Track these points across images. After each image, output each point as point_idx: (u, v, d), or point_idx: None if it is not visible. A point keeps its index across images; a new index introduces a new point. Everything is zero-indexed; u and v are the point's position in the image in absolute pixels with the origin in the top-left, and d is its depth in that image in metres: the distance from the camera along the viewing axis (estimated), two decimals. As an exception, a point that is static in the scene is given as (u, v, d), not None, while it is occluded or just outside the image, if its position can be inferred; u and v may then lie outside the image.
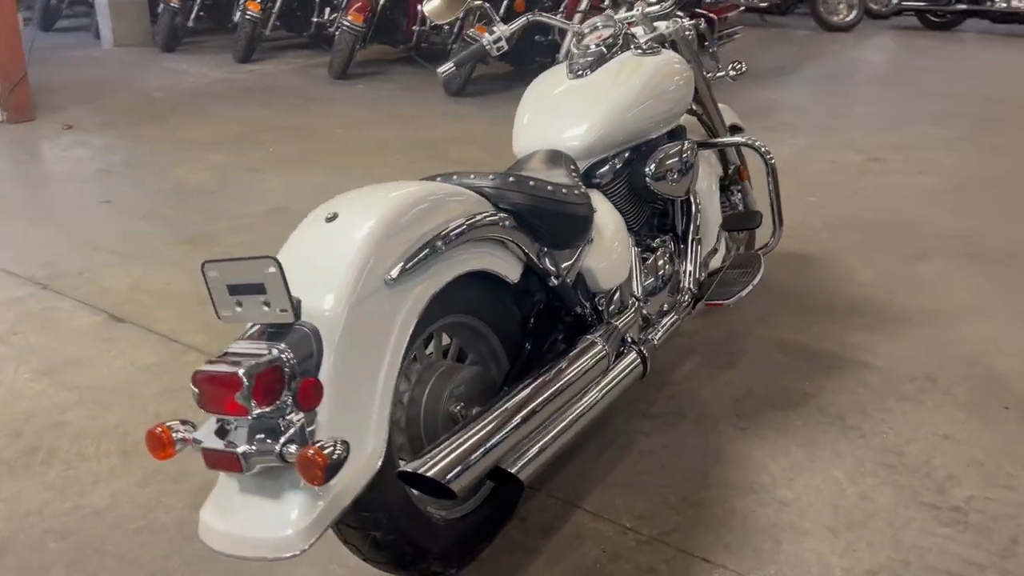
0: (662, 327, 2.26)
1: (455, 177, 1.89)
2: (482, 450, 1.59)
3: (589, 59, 2.40)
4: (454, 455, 1.56)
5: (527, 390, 1.75)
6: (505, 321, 1.94)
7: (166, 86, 6.97)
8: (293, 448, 1.41)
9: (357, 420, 1.51)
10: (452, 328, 1.87)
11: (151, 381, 2.65)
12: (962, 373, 2.60)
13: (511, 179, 1.88)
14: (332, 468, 1.36)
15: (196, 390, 1.45)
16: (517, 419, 1.68)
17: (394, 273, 1.56)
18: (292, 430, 1.43)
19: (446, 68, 2.61)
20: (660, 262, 2.37)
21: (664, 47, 2.51)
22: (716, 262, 2.64)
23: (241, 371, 1.39)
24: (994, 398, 2.47)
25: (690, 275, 2.44)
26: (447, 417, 1.75)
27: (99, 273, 3.43)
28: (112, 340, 2.91)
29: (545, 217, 1.91)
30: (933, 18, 9.86)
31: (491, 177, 1.88)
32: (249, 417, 1.43)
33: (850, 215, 3.96)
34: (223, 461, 1.46)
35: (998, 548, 1.91)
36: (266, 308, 1.45)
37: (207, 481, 2.15)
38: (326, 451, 1.36)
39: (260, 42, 7.81)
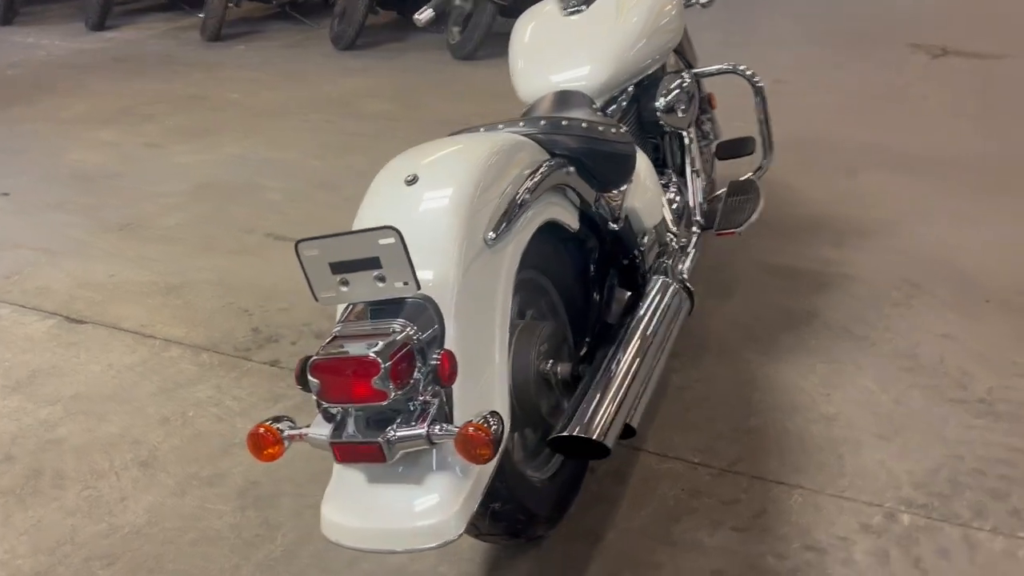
0: (690, 260, 2.25)
1: (501, 126, 1.80)
2: (616, 404, 1.55)
3: None
4: (600, 413, 1.50)
5: (635, 339, 1.71)
6: (565, 273, 1.89)
7: (18, 62, 6.34)
8: (438, 428, 1.33)
9: (485, 390, 1.44)
10: (517, 285, 1.81)
11: (140, 383, 2.44)
12: (937, 274, 2.73)
13: (564, 123, 1.81)
14: (497, 442, 1.29)
15: (317, 381, 1.34)
16: (634, 368, 1.65)
17: (493, 233, 1.50)
18: (433, 409, 1.35)
19: (426, 15, 2.47)
20: (674, 196, 2.36)
21: None
22: (710, 192, 2.65)
23: (376, 353, 1.30)
24: (973, 294, 2.62)
25: (698, 207, 2.45)
26: (539, 376, 1.69)
27: (31, 274, 3.11)
28: (77, 344, 2.65)
29: (599, 159, 1.85)
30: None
31: (542, 123, 1.80)
32: (387, 402, 1.33)
33: (778, 137, 4.05)
34: (362, 452, 1.36)
35: (1031, 432, 2.04)
36: (380, 283, 1.34)
37: (248, 480, 2.03)
38: (488, 425, 1.29)
39: (112, 6, 7.21)
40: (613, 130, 1.90)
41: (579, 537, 1.81)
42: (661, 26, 2.33)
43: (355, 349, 1.32)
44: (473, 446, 1.29)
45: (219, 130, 4.57)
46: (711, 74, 2.70)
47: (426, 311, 1.40)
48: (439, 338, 1.40)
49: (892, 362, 2.32)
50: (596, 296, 1.94)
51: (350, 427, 1.38)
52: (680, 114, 2.32)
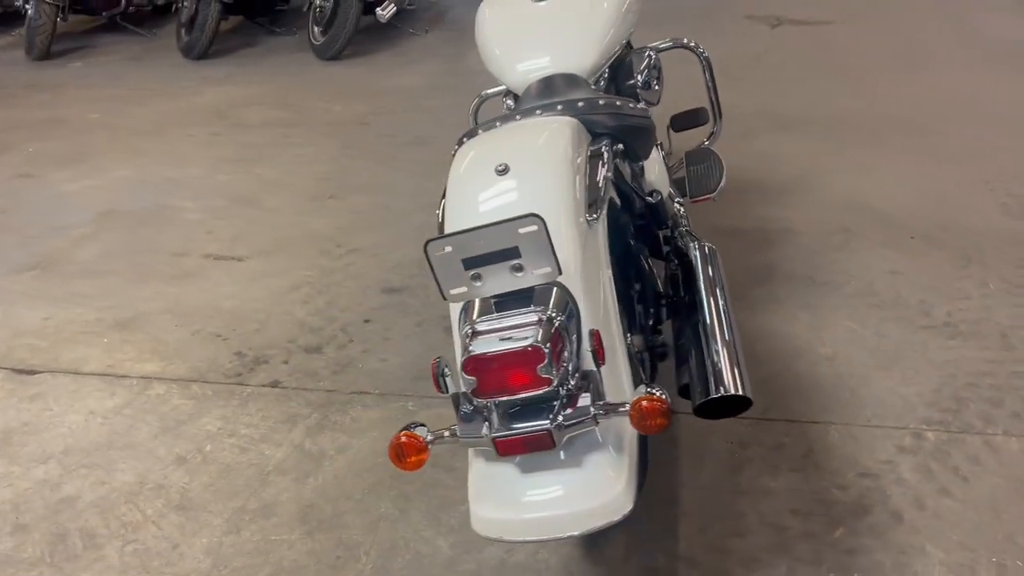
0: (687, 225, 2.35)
1: (539, 112, 1.81)
2: (734, 360, 1.60)
3: None
4: (728, 371, 1.55)
5: (713, 303, 1.77)
6: (614, 248, 1.93)
7: None
8: (604, 406, 1.35)
9: (614, 365, 1.47)
10: None
11: (136, 426, 2.26)
12: (862, 219, 2.98)
13: (601, 102, 1.84)
14: (672, 411, 1.32)
15: (472, 378, 1.32)
16: (727, 328, 1.70)
17: (592, 215, 1.54)
18: (591, 389, 1.36)
19: (390, 11, 2.42)
20: (657, 167, 2.45)
21: None
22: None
23: (539, 341, 1.30)
24: (898, 232, 2.88)
25: (667, 177, 2.54)
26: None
27: (-52, 328, 2.79)
28: (41, 396, 2.41)
29: (632, 134, 1.89)
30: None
31: (580, 104, 1.82)
32: (551, 388, 1.33)
33: (661, 108, 4.24)
34: (530, 443, 1.36)
35: (997, 345, 2.29)
36: (518, 273, 1.34)
37: (303, 504, 1.95)
38: (659, 394, 1.31)
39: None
40: (632, 105, 1.95)
41: (658, 503, 1.87)
42: (629, 5, 2.40)
43: (515, 341, 1.32)
44: (650, 417, 1.31)
45: (96, 154, 4.23)
46: (662, 49, 2.79)
47: (554, 295, 1.41)
48: (576, 320, 1.42)
49: (859, 300, 2.52)
50: (646, 267, 1.99)
51: (509, 420, 1.37)
52: (654, 90, 2.40)
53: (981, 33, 4.93)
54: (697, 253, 1.98)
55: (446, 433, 1.42)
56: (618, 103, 1.86)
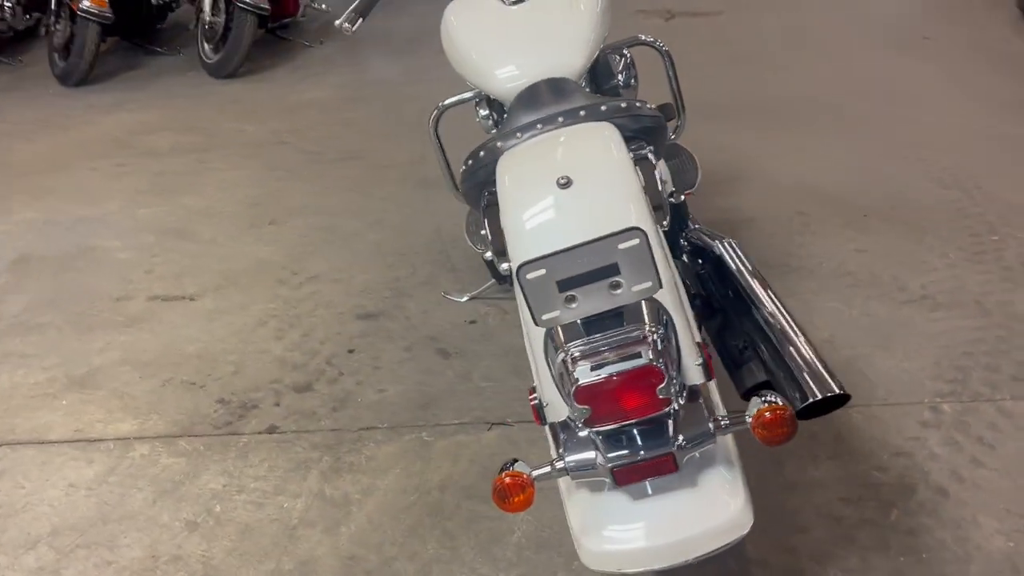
0: None
1: (561, 119, 1.74)
2: (814, 356, 1.57)
3: None
4: (816, 369, 1.52)
5: (764, 297, 1.73)
6: None
7: None
8: (723, 422, 1.30)
9: (698, 372, 1.42)
10: None
11: (128, 494, 2.05)
12: (815, 202, 3.05)
13: (623, 104, 1.78)
14: (796, 418, 1.29)
15: (586, 407, 1.25)
16: (790, 322, 1.67)
17: (664, 224, 1.50)
18: (701, 403, 1.31)
19: (357, 23, 2.29)
20: (662, 166, 2.42)
21: None
22: None
23: (653, 361, 1.24)
24: (852, 212, 2.96)
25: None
26: None
27: None
28: (7, 473, 2.15)
29: (651, 135, 1.85)
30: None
31: (603, 108, 1.76)
32: (671, 408, 1.27)
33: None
34: (651, 468, 1.29)
35: (975, 312, 2.38)
36: (615, 291, 1.28)
37: (343, 557, 1.81)
38: (780, 402, 1.27)
39: None
40: (646, 105, 1.91)
41: (711, 506, 1.84)
42: (604, 5, 2.36)
43: (623, 362, 1.25)
44: (776, 427, 1.27)
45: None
46: (628, 46, 2.76)
47: (648, 310, 1.35)
48: (674, 333, 1.36)
49: (837, 282, 2.58)
50: (680, 270, 1.95)
51: (615, 446, 1.31)
52: (634, 88, 2.37)
53: (865, 16, 5.16)
54: (725, 249, 1.96)
55: (552, 467, 1.34)
56: (637, 104, 1.82)
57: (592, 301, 1.30)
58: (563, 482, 1.41)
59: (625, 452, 1.30)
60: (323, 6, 5.75)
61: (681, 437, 1.30)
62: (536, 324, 1.31)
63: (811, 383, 1.48)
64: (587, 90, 2.13)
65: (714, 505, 1.33)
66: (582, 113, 1.77)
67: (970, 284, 2.51)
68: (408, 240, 3.08)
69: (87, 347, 2.63)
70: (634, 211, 1.47)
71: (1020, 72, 4.17)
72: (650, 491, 1.35)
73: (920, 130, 3.54)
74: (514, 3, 2.25)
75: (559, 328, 1.36)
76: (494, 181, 1.78)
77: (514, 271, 1.35)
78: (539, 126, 1.76)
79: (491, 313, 2.60)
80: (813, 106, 3.86)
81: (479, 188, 1.86)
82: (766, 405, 1.27)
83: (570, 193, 1.48)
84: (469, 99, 2.63)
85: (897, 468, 1.90)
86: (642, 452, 1.29)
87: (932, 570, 1.66)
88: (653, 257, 1.26)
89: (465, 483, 1.98)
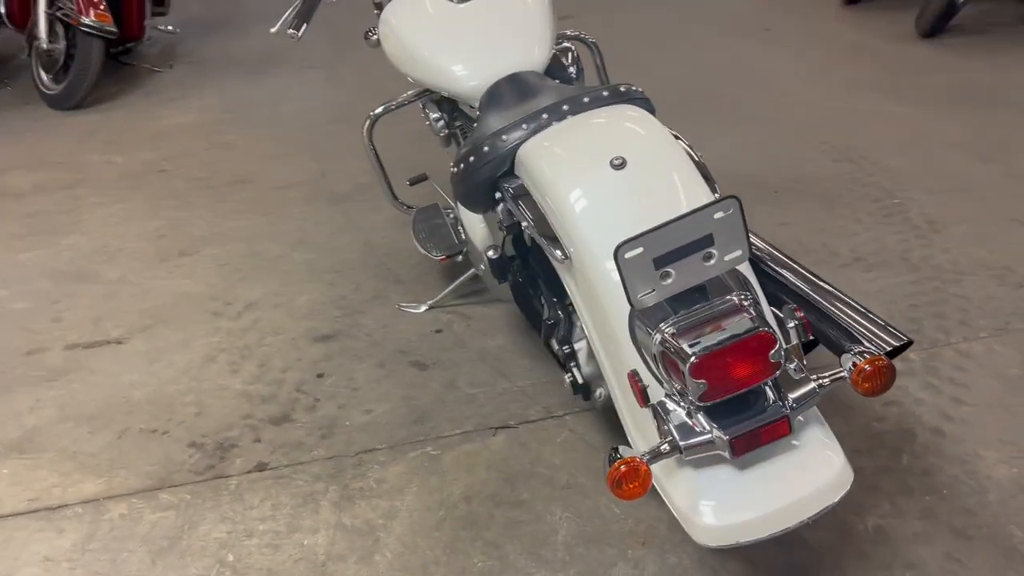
0: None
1: (566, 107, 1.72)
2: (864, 308, 1.61)
3: None
4: (872, 322, 1.56)
5: (788, 257, 1.77)
6: None
7: None
8: (827, 378, 1.32)
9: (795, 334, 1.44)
10: None
11: (121, 558, 1.82)
12: (725, 183, 3.16)
13: (622, 89, 1.78)
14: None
15: (702, 381, 1.24)
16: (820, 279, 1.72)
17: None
18: (797, 363, 1.33)
19: (297, 27, 2.17)
20: None
21: None
22: None
23: (763, 327, 1.25)
24: (763, 190, 3.12)
25: None
26: None
27: None
28: (-41, 558, 1.86)
29: None
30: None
31: (605, 93, 1.76)
32: (779, 372, 1.28)
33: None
34: (769, 433, 1.30)
35: (905, 268, 2.56)
36: (708, 262, 1.28)
37: None
38: (877, 352, 1.31)
39: None
40: (634, 88, 1.90)
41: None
42: (551, 0, 2.35)
43: (733, 329, 1.25)
44: (879, 377, 1.30)
45: None
46: (565, 40, 2.75)
47: (733, 278, 1.37)
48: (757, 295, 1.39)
49: (775, 255, 2.69)
50: None
51: (738, 416, 1.30)
52: (581, 79, 2.38)
53: (705, 13, 5.45)
54: None
55: (661, 448, 1.31)
56: (635, 89, 1.83)
57: (686, 275, 1.29)
58: (663, 464, 1.38)
59: (741, 421, 1.30)
60: (170, 28, 5.40)
61: (791, 399, 1.31)
62: (633, 305, 1.28)
63: (878, 333, 1.53)
64: (556, 82, 2.12)
65: (818, 464, 1.35)
66: (586, 100, 1.76)
67: (891, 243, 2.70)
68: (339, 257, 2.94)
69: (12, 408, 2.32)
70: (696, 184, 1.48)
71: (855, 55, 4.55)
72: (755, 458, 1.35)
73: (793, 111, 3.78)
74: (460, 2, 2.20)
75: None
76: (507, 175, 1.73)
77: (585, 254, 1.34)
78: (544, 115, 1.73)
79: (455, 320, 2.53)
80: (693, 98, 4.02)
81: (483, 186, 1.80)
82: (865, 358, 1.31)
83: (628, 173, 1.47)
84: (408, 103, 2.55)
85: (893, 416, 2.00)
86: (758, 419, 1.30)
87: (957, 504, 1.76)
88: (746, 225, 1.27)
89: (489, 491, 1.91)
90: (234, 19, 6.61)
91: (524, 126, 1.76)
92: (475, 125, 2.05)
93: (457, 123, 2.42)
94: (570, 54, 2.38)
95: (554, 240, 1.52)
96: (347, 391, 2.27)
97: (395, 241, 3.00)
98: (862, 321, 1.55)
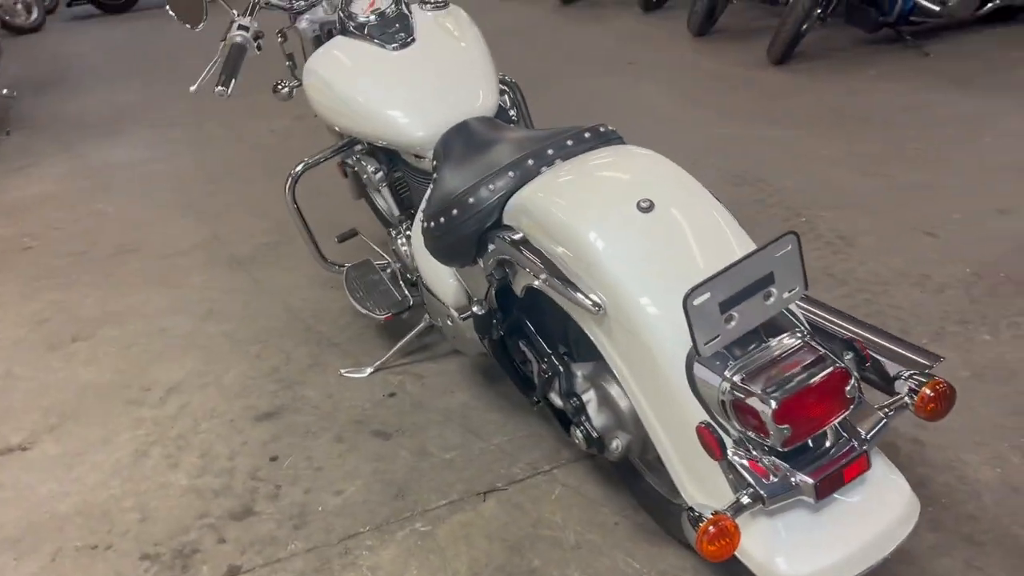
0: None
1: (550, 151, 1.67)
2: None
3: (398, 25, 2.12)
4: (905, 344, 1.54)
5: None
6: None
7: None
8: (889, 407, 1.30)
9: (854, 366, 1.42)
10: None
11: None
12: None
13: (601, 129, 1.74)
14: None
15: (787, 425, 1.18)
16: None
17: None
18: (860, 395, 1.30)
19: (226, 84, 1.99)
20: None
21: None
22: None
23: (837, 363, 1.21)
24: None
25: None
26: None
27: None
28: None
29: None
30: (109, 1, 9.64)
31: (587, 135, 1.71)
32: (852, 407, 1.25)
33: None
34: (848, 473, 1.25)
35: (832, 283, 2.64)
36: (767, 301, 1.25)
37: None
38: (938, 377, 1.30)
39: None
40: (610, 129, 1.86)
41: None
42: (486, 43, 2.28)
43: (810, 370, 1.21)
44: (944, 400, 1.29)
45: None
46: None
47: (787, 315, 1.33)
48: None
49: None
50: None
51: (816, 457, 1.25)
52: (519, 120, 2.33)
53: (566, 54, 5.56)
54: None
55: (744, 500, 1.24)
56: (611, 129, 1.78)
57: (749, 317, 1.25)
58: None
59: (819, 463, 1.25)
60: (4, 91, 4.91)
61: (862, 433, 1.28)
62: (699, 353, 1.22)
63: (906, 355, 1.51)
64: (512, 126, 2.05)
65: (888, 497, 1.32)
66: (569, 143, 1.70)
67: (811, 260, 2.78)
68: (260, 326, 2.71)
69: (-91, 542, 1.96)
70: (728, 223, 1.44)
71: (719, 83, 4.75)
72: (824, 501, 1.30)
73: (679, 140, 3.88)
74: (400, 47, 2.10)
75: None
76: (494, 226, 1.64)
77: (626, 303, 1.28)
78: (531, 162, 1.65)
79: (406, 381, 2.37)
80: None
81: (468, 239, 1.70)
82: (923, 383, 1.29)
83: (657, 216, 1.41)
84: (330, 157, 2.40)
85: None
86: (838, 459, 1.25)
87: (959, 511, 1.79)
88: (803, 260, 1.25)
89: (497, 563, 1.77)
90: (67, 77, 6.12)
91: (511, 174, 1.67)
92: (435, 176, 1.94)
93: (396, 173, 2.29)
94: (507, 96, 2.31)
95: (577, 290, 1.43)
96: (309, 472, 2.07)
97: (318, 302, 2.81)
98: (885, 344, 1.55)
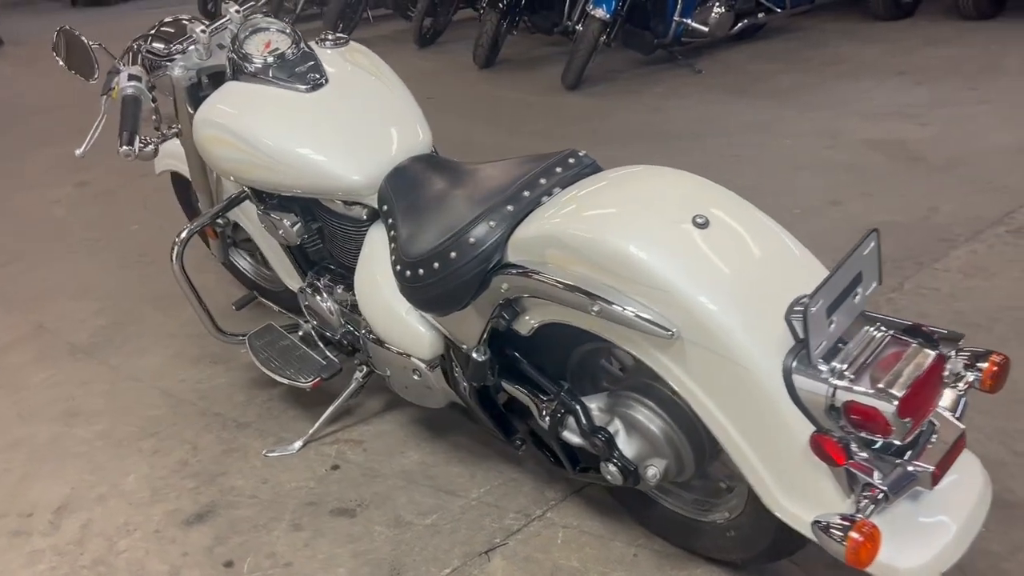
0: None
1: (543, 181, 1.65)
2: None
3: (305, 66, 1.94)
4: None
5: None
6: None
7: None
8: (963, 382, 1.35)
9: None
10: None
11: None
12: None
13: (581, 154, 1.76)
14: None
15: (908, 418, 1.20)
16: None
17: None
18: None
19: (130, 142, 1.72)
20: None
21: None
22: None
23: (935, 351, 1.25)
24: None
25: None
26: None
27: None
28: None
29: None
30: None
31: (571, 160, 1.72)
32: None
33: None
34: (956, 452, 1.30)
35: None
36: (855, 300, 1.29)
37: None
38: (996, 353, 1.37)
39: None
40: (583, 153, 1.80)
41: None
42: None
43: (916, 359, 1.23)
44: (1004, 371, 1.35)
45: None
46: None
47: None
48: None
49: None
50: None
51: (921, 444, 1.28)
52: None
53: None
54: None
55: (863, 500, 1.24)
56: (585, 153, 1.74)
57: (844, 318, 1.28)
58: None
59: (925, 449, 1.28)
60: None
61: (955, 411, 1.32)
62: (811, 362, 1.22)
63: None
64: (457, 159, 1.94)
65: (966, 477, 1.37)
66: (558, 170, 1.64)
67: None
68: (140, 418, 2.35)
69: None
70: (779, 230, 1.44)
71: (526, 110, 4.88)
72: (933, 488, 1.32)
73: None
74: (311, 90, 1.92)
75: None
76: (497, 267, 1.54)
77: (710, 324, 1.29)
78: (526, 192, 1.58)
79: (345, 449, 2.15)
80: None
81: (470, 283, 1.58)
82: (984, 356, 1.35)
83: (708, 231, 1.38)
84: (221, 214, 2.16)
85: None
86: (952, 442, 1.29)
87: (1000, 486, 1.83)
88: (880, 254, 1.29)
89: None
90: None
91: (508, 208, 1.58)
92: (391, 223, 1.78)
93: (315, 225, 2.08)
94: None
95: (642, 317, 1.36)
96: (279, 571, 1.80)
97: (200, 381, 2.49)
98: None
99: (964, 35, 5.38)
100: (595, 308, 1.40)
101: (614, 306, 1.37)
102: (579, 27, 5.24)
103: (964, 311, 2.47)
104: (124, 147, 1.72)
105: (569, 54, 5.14)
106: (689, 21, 5.15)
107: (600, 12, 4.84)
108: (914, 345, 1.27)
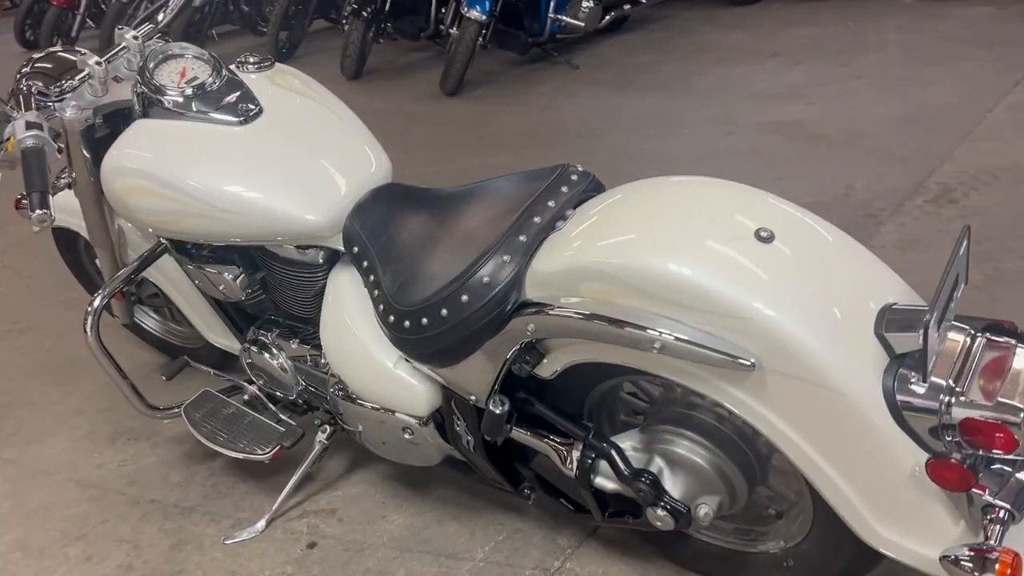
0: None
1: (551, 203, 1.47)
2: None
3: (236, 95, 1.68)
4: None
5: None
6: None
7: None
8: None
9: None
10: None
11: None
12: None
13: (580, 170, 1.57)
14: None
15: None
16: None
17: None
18: None
19: (42, 206, 1.40)
20: None
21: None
22: None
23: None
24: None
25: None
26: None
27: None
28: None
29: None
30: None
31: (574, 176, 1.54)
32: None
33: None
34: None
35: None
36: (952, 304, 1.21)
37: None
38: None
39: None
40: (579, 167, 1.64)
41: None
42: None
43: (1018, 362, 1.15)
44: None
45: None
46: None
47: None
48: None
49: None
50: None
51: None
52: None
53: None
54: None
55: (995, 526, 1.13)
56: (580, 167, 1.57)
57: (945, 325, 1.17)
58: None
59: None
60: None
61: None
62: (925, 379, 1.11)
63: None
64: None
65: None
66: (563, 190, 1.47)
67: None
68: (59, 518, 1.99)
69: None
70: (841, 234, 1.32)
71: (413, 121, 4.66)
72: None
73: (438, 179, 3.68)
74: (245, 123, 1.66)
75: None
76: (515, 307, 1.35)
77: (798, 350, 1.16)
78: (537, 219, 1.41)
79: (318, 523, 1.89)
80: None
81: (487, 328, 1.39)
82: None
83: (774, 245, 1.24)
84: (138, 273, 1.86)
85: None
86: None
87: None
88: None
89: None
90: None
91: (521, 239, 1.38)
92: (367, 264, 1.55)
93: (258, 275, 1.80)
94: None
95: (715, 349, 1.20)
96: None
97: (121, 464, 2.15)
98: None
99: (817, 15, 5.58)
100: (656, 345, 1.23)
101: (680, 342, 1.21)
102: (452, 30, 5.06)
103: (914, 286, 2.47)
104: (37, 211, 1.39)
105: (446, 59, 4.96)
106: (564, 17, 5.08)
107: (475, 13, 4.67)
108: (1015, 346, 1.17)
